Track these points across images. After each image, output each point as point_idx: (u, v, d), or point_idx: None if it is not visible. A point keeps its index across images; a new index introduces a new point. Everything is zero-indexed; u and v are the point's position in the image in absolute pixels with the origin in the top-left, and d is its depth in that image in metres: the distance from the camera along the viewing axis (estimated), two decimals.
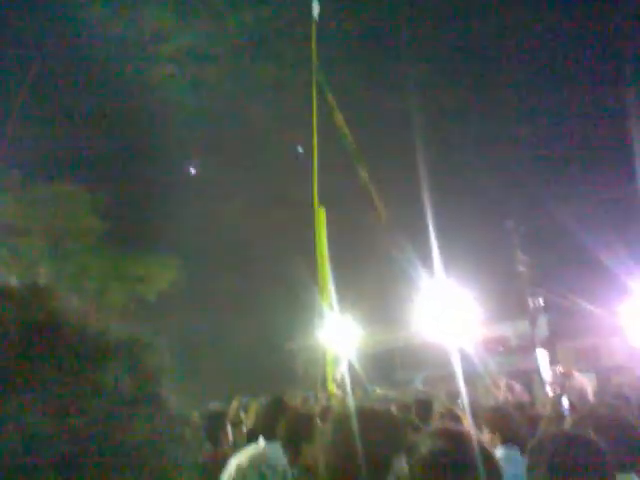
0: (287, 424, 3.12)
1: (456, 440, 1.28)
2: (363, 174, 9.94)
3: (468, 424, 4.86)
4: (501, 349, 17.56)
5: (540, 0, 23.58)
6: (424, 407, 5.16)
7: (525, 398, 9.55)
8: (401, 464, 1.27)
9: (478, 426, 4.33)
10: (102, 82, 23.00)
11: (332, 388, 8.08)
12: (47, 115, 21.19)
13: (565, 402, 8.89)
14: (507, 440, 4.00)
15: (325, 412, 3.70)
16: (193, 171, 26.39)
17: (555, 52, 22.96)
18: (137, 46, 23.18)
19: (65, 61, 22.04)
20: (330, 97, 10.38)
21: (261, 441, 3.66)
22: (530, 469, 1.81)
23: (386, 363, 22.73)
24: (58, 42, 21.99)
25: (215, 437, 3.68)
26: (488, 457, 1.29)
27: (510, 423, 4.09)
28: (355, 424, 1.55)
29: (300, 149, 23.08)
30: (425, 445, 1.27)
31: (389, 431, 1.51)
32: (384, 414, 1.65)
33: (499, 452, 3.79)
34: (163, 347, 0.65)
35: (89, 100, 22.24)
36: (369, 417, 1.53)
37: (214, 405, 6.01)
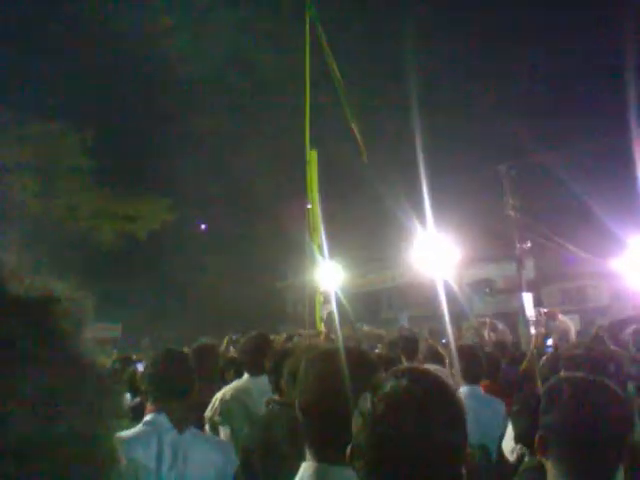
0: (270, 359, 3.21)
1: (418, 378, 1.32)
2: (349, 113, 9.83)
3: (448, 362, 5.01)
4: (487, 290, 17.89)
5: None
6: (410, 344, 5.29)
7: (508, 338, 9.82)
8: (366, 401, 1.31)
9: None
10: (95, 22, 22.25)
11: (320, 326, 8.24)
12: (37, 53, 20.62)
13: (549, 341, 9.13)
14: (472, 377, 4.17)
15: (307, 349, 3.79)
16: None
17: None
18: None
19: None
20: (322, 36, 10.13)
21: (245, 375, 3.76)
22: (544, 412, 1.83)
23: (373, 302, 23.12)
24: None
25: (204, 371, 3.77)
26: (450, 396, 1.31)
27: (474, 361, 4.23)
28: (328, 361, 1.61)
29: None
30: (388, 383, 1.31)
31: (362, 370, 1.55)
32: (359, 353, 1.70)
33: (462, 389, 3.96)
34: (85, 303, 0.64)
35: (80, 39, 21.53)
36: (343, 355, 1.58)
37: (204, 340, 6.12)
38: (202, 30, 23.45)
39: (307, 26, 9.95)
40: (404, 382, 1.27)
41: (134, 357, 8.15)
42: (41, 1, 21.21)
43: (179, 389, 2.57)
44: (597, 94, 18.99)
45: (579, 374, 1.97)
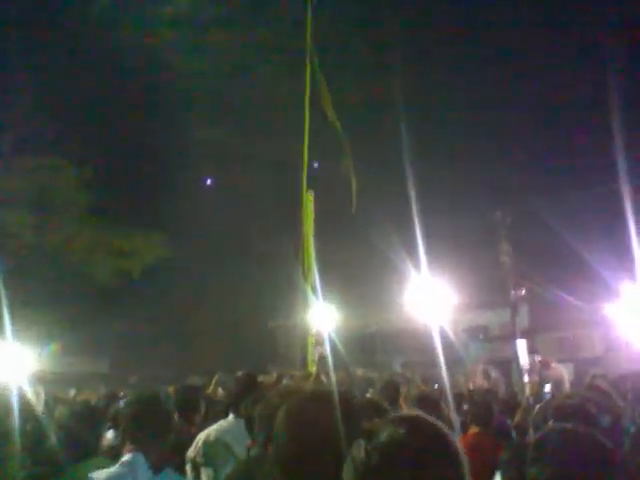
0: (251, 402, 3.14)
1: (414, 426, 1.25)
2: (346, 160, 9.96)
3: (443, 408, 4.94)
4: (481, 337, 17.78)
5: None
6: (391, 389, 5.22)
7: (501, 386, 9.71)
8: (360, 450, 1.24)
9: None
10: (92, 55, 22.67)
11: (312, 368, 8.14)
12: (35, 86, 20.91)
13: (547, 388, 9.05)
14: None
15: (283, 393, 3.75)
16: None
17: (542, 43, 22.92)
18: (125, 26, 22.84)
19: (55, 33, 21.72)
20: (323, 83, 10.32)
21: (230, 416, 3.70)
22: (532, 463, 1.79)
23: (368, 346, 22.90)
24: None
25: (187, 413, 3.72)
26: (451, 448, 1.23)
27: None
28: (308, 406, 1.50)
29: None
30: (384, 431, 1.24)
31: (344, 416, 1.43)
32: (340, 397, 1.56)
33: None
34: None
35: (79, 74, 21.91)
36: (323, 400, 1.48)
37: (193, 380, 6.03)
38: (200, 72, 23.90)
39: (307, 76, 10.13)
40: (402, 431, 1.19)
41: (121, 394, 8.01)
42: (40, 34, 21.63)
43: (155, 430, 2.58)
44: (591, 145, 19.32)
45: (568, 426, 1.94)
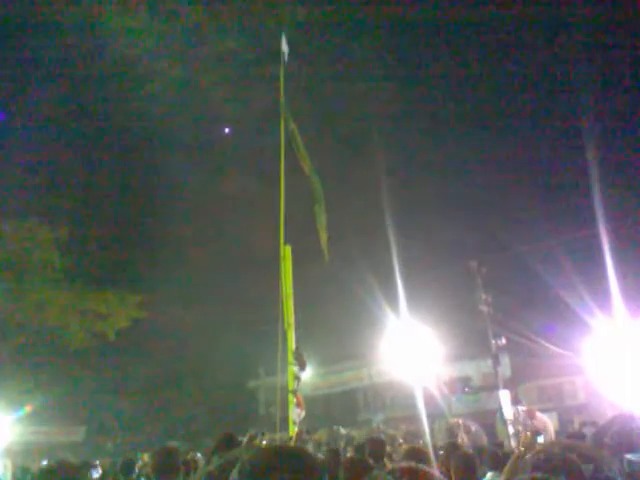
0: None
1: (414, 476, 1.26)
2: (319, 213, 10.02)
3: (432, 461, 4.86)
4: (466, 389, 17.61)
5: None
6: (376, 446, 5.17)
7: (482, 439, 9.57)
8: None
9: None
10: (65, 116, 22.93)
11: (292, 429, 7.94)
12: (9, 151, 21.03)
13: (540, 439, 8.93)
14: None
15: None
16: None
17: (518, 94, 23.82)
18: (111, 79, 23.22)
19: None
20: (297, 137, 10.48)
21: None
22: None
23: (349, 403, 22.56)
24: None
25: (166, 476, 3.58)
26: None
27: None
28: (262, 459, 1.37)
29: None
30: None
31: (302, 474, 1.35)
32: (301, 452, 1.45)
33: None
34: None
35: (55, 137, 22.13)
36: (280, 453, 1.38)
37: (171, 444, 5.86)
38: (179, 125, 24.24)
39: (282, 125, 10.31)
40: None
41: (96, 463, 7.75)
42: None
43: None
44: (565, 191, 19.80)
45: (539, 475, 1.92)
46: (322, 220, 9.81)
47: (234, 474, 1.32)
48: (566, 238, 15.13)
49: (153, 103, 23.67)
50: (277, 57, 11.14)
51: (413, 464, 1.48)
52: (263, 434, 6.43)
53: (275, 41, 11.14)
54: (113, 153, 23.34)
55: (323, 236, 9.68)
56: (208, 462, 3.65)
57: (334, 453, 5.99)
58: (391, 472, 1.30)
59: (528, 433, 8.45)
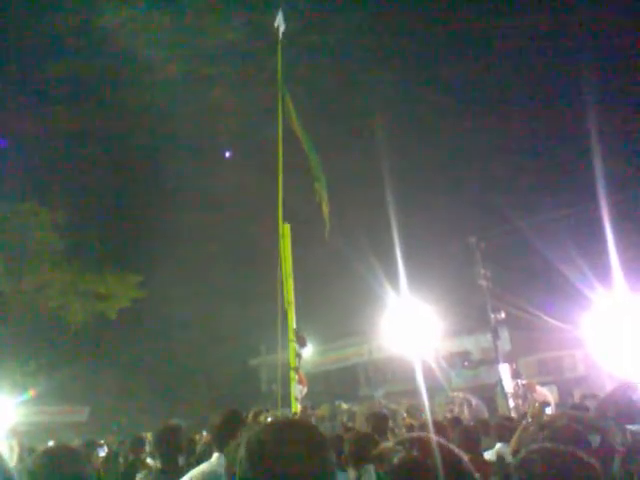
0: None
1: (425, 447, 1.25)
2: (320, 190, 9.97)
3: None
4: (466, 364, 17.73)
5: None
6: (380, 421, 5.16)
7: (484, 413, 9.65)
8: (370, 475, 1.23)
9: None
10: (66, 103, 22.75)
11: (295, 406, 8.00)
12: (8, 132, 20.87)
13: (548, 410, 8.99)
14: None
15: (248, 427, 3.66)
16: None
17: (519, 73, 23.63)
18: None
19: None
20: (293, 114, 10.38)
21: (215, 455, 3.56)
22: None
23: (350, 379, 22.73)
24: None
25: (169, 454, 3.58)
26: (459, 462, 1.27)
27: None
28: (269, 434, 1.33)
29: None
30: (396, 454, 1.23)
31: (311, 445, 1.31)
32: (308, 427, 1.40)
33: None
34: None
35: (54, 118, 21.93)
36: (287, 428, 1.33)
37: (174, 422, 5.88)
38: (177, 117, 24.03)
39: (280, 105, 10.21)
40: (415, 453, 1.21)
41: (102, 442, 7.81)
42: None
43: None
44: (564, 165, 19.74)
45: (549, 445, 1.91)
46: (323, 195, 9.78)
47: (241, 451, 1.30)
48: (565, 212, 15.05)
49: (153, 89, 23.50)
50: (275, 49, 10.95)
51: (423, 434, 1.48)
52: (267, 410, 6.47)
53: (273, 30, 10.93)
54: (112, 135, 23.16)
55: (325, 209, 9.66)
56: (215, 439, 3.66)
57: (346, 429, 6.00)
58: (401, 443, 1.29)
59: (537, 404, 8.48)
